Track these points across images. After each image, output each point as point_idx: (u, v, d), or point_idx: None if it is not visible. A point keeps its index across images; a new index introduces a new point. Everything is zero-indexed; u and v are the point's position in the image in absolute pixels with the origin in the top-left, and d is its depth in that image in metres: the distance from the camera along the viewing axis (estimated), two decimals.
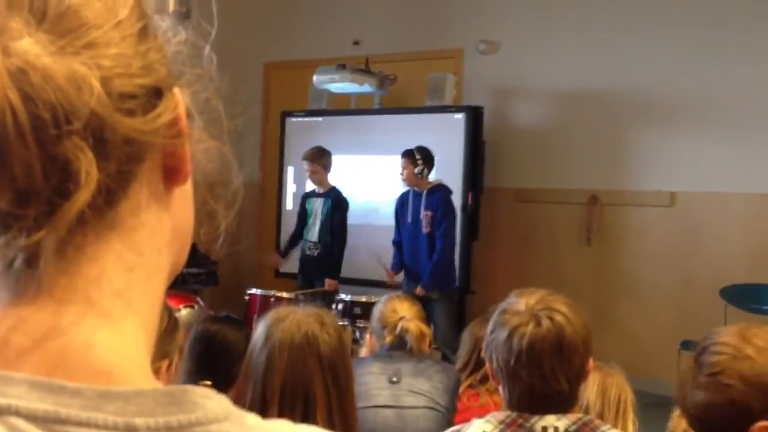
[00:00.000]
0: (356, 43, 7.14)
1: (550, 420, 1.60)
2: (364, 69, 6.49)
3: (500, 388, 1.70)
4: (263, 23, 7.60)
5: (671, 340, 5.31)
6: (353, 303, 5.09)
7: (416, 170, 5.50)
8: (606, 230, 6.20)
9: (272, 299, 5.13)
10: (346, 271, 5.89)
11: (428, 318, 3.08)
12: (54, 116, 0.43)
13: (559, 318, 1.63)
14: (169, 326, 1.55)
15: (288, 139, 6.99)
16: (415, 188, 5.61)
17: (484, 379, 2.52)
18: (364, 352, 2.90)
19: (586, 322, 1.68)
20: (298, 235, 6.04)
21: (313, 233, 5.85)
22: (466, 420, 1.79)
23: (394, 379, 2.44)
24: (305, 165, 5.87)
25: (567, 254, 6.33)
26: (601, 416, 2.27)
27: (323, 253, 5.81)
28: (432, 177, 5.64)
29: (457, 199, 5.76)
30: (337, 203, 5.82)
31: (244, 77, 7.21)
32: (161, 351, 1.50)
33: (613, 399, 2.32)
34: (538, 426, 1.60)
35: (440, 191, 5.57)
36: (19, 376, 0.43)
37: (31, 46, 0.43)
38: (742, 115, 5.73)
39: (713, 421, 1.41)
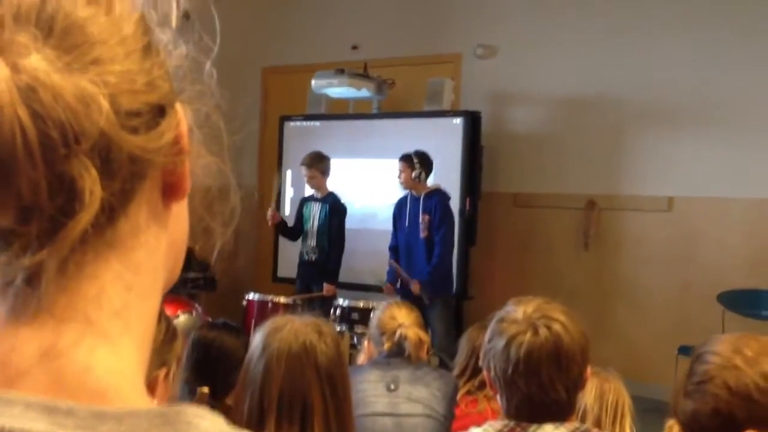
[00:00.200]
0: (354, 47, 7.15)
1: (547, 429, 1.61)
2: (362, 74, 6.50)
3: (498, 396, 1.70)
4: (261, 28, 7.61)
5: (669, 346, 5.31)
6: (351, 308, 5.09)
7: (414, 174, 5.50)
8: (604, 235, 6.20)
9: (270, 304, 5.14)
10: (343, 276, 5.88)
11: (425, 323, 3.07)
12: (63, 135, 0.42)
13: (556, 327, 1.63)
14: (167, 335, 1.55)
15: (286, 144, 6.99)
16: (413, 192, 5.61)
17: (482, 385, 2.51)
18: (362, 358, 2.89)
19: (583, 330, 1.68)
20: (296, 233, 6.00)
21: (311, 238, 5.85)
22: (465, 427, 1.79)
23: (392, 386, 2.43)
24: (303, 170, 5.86)
25: (565, 259, 6.32)
26: (598, 421, 2.27)
27: (321, 258, 5.80)
28: (430, 182, 5.64)
29: (455, 204, 5.75)
30: (334, 208, 5.82)
31: (243, 82, 7.22)
32: (159, 360, 1.50)
33: (610, 404, 2.32)
34: None
35: (438, 195, 5.56)
36: (16, 396, 0.43)
37: (39, 63, 0.43)
38: (739, 120, 5.73)
39: (700, 430, 1.41)
